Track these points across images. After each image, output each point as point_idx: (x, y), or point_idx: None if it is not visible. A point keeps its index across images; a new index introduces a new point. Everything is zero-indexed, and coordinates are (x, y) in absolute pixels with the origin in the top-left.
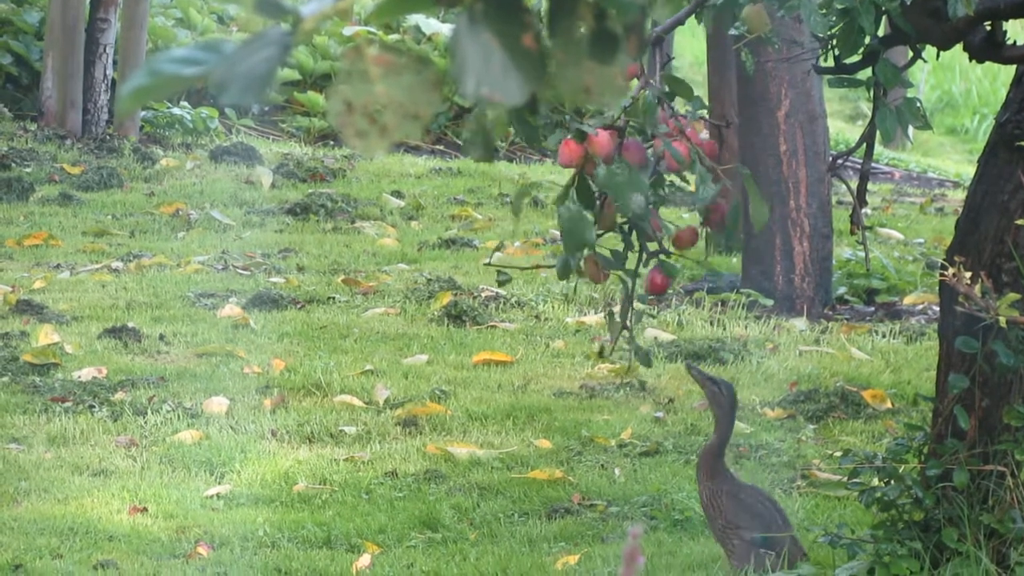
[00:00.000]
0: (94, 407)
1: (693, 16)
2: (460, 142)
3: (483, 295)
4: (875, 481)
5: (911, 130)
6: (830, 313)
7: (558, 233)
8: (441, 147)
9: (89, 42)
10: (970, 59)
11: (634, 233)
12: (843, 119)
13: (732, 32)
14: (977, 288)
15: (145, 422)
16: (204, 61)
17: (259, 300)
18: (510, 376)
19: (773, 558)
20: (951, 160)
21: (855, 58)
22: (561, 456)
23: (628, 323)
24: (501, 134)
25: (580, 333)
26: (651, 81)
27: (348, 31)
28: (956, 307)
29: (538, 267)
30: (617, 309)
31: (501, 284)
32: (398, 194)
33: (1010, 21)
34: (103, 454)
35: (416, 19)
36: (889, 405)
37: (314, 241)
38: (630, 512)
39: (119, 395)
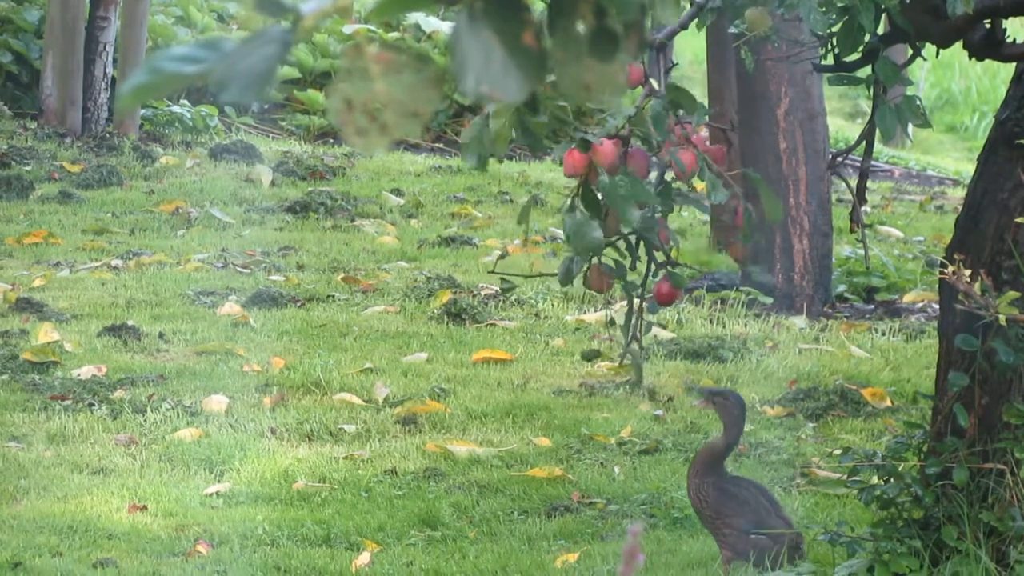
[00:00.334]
0: (93, 405)
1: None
2: (460, 141)
3: (483, 293)
4: (875, 479)
5: (911, 128)
6: (830, 311)
7: (558, 231)
8: (441, 145)
9: (89, 40)
10: (970, 57)
11: (641, 243)
12: (843, 117)
13: (732, 30)
14: (977, 286)
15: (144, 420)
16: (204, 59)
17: (259, 298)
18: (510, 374)
19: (769, 546)
20: (951, 158)
21: (855, 56)
22: (560, 454)
23: (638, 334)
24: (502, 149)
25: (580, 331)
26: (656, 89)
27: (348, 29)
28: (956, 305)
29: (541, 275)
30: (618, 314)
31: (504, 292)
32: (398, 192)
33: (1010, 19)
34: (102, 452)
35: (416, 17)
36: (889, 403)
37: (314, 239)
38: (629, 510)
39: (119, 393)
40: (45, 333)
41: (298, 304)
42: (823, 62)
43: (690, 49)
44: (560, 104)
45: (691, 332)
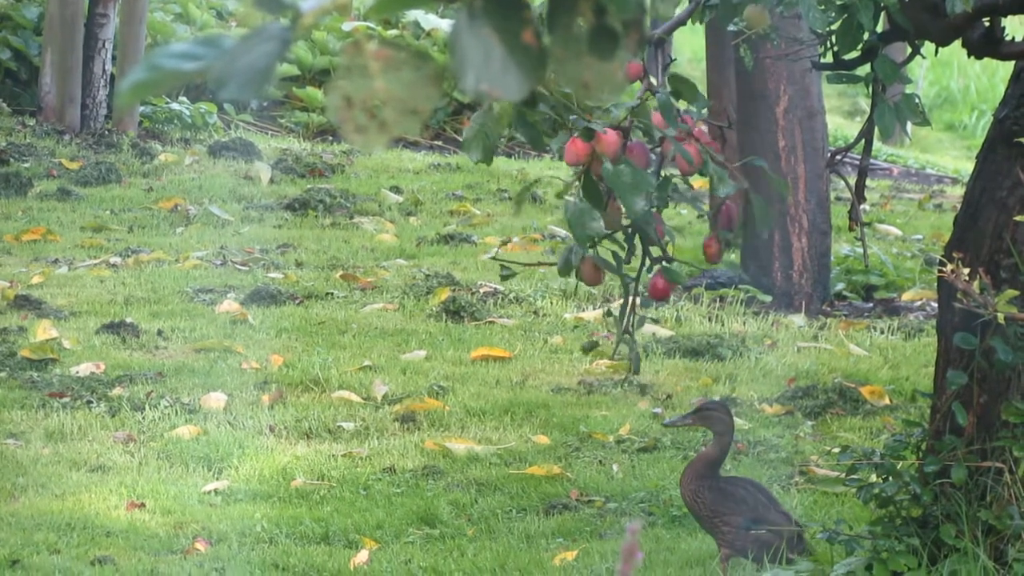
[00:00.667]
0: (92, 403)
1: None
2: (459, 138)
3: (481, 291)
4: (873, 477)
5: (909, 126)
6: (828, 309)
7: (557, 229)
8: (440, 143)
9: (88, 37)
10: (969, 55)
11: (637, 237)
12: (842, 115)
13: (731, 28)
14: (975, 284)
15: (143, 418)
16: (203, 56)
17: (257, 296)
18: (508, 372)
19: (769, 541)
20: (949, 156)
21: (854, 54)
22: (559, 452)
23: (631, 327)
24: (499, 132)
25: (578, 329)
26: (655, 83)
27: (347, 27)
28: (954, 303)
29: (540, 264)
30: (616, 309)
31: (504, 279)
32: (396, 190)
33: (1008, 17)
34: (101, 450)
35: (415, 14)
36: (887, 401)
37: (312, 236)
38: (628, 508)
39: (117, 391)
40: (43, 330)
41: (297, 302)
42: (822, 60)
43: (689, 47)
44: (564, 91)
45: (690, 330)
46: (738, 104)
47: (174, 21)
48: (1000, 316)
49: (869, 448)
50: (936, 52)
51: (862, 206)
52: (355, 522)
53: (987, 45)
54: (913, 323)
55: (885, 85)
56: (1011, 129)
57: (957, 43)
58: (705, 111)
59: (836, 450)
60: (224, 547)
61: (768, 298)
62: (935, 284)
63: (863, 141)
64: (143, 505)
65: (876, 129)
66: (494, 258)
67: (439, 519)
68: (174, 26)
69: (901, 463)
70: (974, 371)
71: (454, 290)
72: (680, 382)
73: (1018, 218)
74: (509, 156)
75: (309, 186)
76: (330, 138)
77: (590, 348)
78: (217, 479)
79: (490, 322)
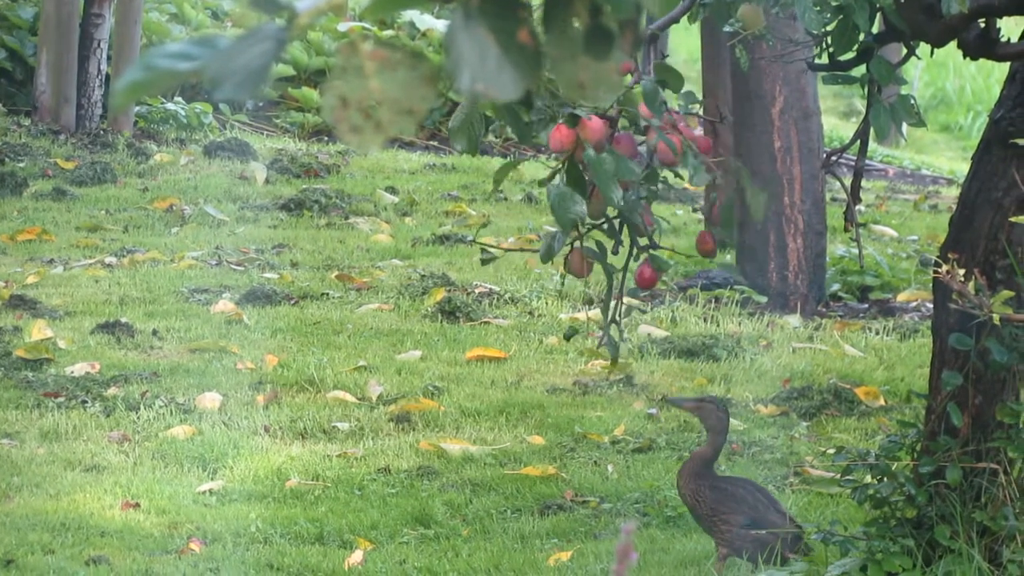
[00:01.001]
0: (87, 402)
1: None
2: (448, 126)
3: (477, 291)
4: (868, 478)
5: (905, 127)
6: (823, 310)
7: (553, 230)
8: (435, 143)
9: (83, 37)
10: (964, 56)
11: (624, 227)
12: (837, 116)
13: (727, 29)
14: (971, 285)
15: (138, 417)
16: (199, 56)
17: (252, 296)
18: (503, 372)
19: (768, 541)
20: (945, 157)
21: (849, 55)
22: (554, 452)
23: (617, 317)
24: (482, 127)
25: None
26: (644, 74)
27: (343, 27)
28: (950, 304)
29: (523, 249)
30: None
31: (484, 263)
32: (392, 190)
33: (1004, 18)
34: (95, 449)
35: (411, 15)
36: (882, 402)
37: (308, 237)
38: (623, 508)
39: (112, 390)
40: (38, 330)
41: (292, 302)
42: (818, 61)
43: (685, 48)
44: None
45: (685, 331)
46: (734, 105)
47: (169, 21)
48: (995, 317)
49: (864, 449)
50: (932, 53)
51: (857, 207)
52: (350, 522)
53: (983, 46)
54: (908, 324)
55: (881, 86)
56: (1007, 130)
57: (953, 44)
58: (696, 107)
59: (831, 451)
60: (219, 547)
61: (763, 299)
62: (930, 285)
63: (859, 142)
64: (138, 505)
65: (871, 130)
66: (474, 241)
67: (434, 519)
68: (169, 26)
69: (896, 464)
70: (969, 372)
71: (449, 290)
72: (675, 383)
73: (1013, 219)
74: (504, 156)
75: (304, 186)
76: (326, 138)
77: (571, 335)
78: (212, 479)
79: (485, 322)
